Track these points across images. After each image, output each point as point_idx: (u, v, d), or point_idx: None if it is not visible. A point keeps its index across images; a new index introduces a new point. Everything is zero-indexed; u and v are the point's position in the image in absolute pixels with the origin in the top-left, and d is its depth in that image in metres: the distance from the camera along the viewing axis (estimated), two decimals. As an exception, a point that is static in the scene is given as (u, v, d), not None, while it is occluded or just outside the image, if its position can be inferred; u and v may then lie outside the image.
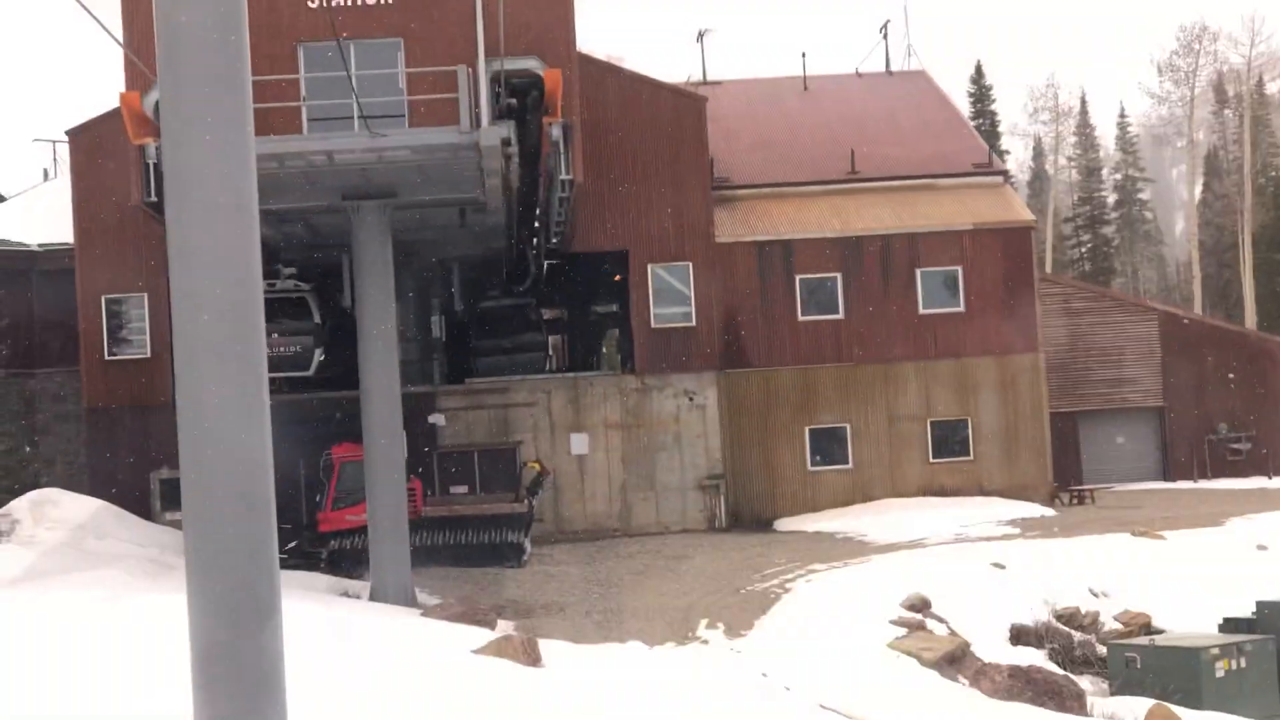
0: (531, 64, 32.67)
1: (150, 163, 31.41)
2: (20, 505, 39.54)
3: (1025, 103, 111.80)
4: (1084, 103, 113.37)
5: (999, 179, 50.53)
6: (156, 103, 31.76)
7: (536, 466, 42.64)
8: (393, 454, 36.05)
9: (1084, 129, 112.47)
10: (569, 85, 32.25)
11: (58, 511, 39.87)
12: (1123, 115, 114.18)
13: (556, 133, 32.19)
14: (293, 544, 41.63)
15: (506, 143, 30.94)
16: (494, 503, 41.57)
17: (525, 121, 34.38)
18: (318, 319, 39.14)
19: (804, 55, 59.60)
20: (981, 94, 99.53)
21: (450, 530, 40.50)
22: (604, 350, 51.59)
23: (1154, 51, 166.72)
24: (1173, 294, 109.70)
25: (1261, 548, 38.82)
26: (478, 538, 40.19)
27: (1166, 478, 58.77)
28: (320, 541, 40.84)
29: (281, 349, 37.24)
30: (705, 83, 58.65)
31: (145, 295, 45.12)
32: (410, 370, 46.47)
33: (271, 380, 11.95)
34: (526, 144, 34.55)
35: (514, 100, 33.30)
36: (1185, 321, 62.72)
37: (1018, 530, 42.71)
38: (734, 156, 50.35)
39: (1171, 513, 46.41)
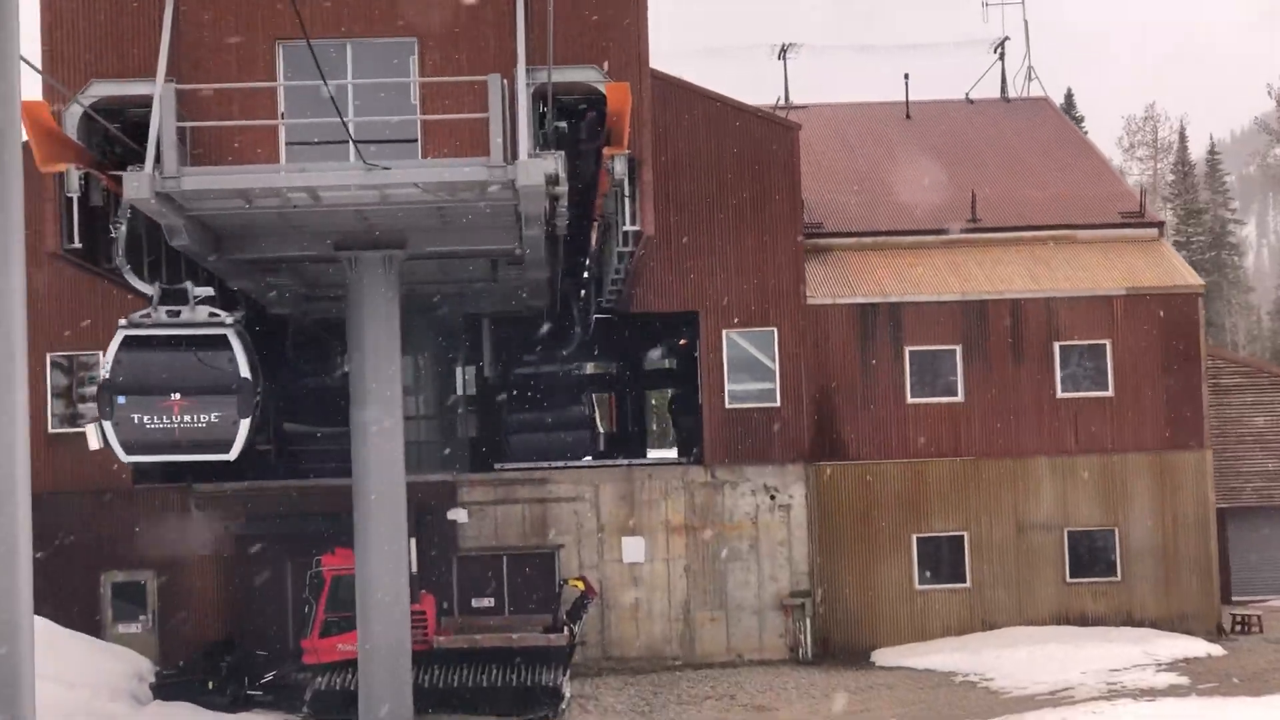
0: (589, 75, 26.15)
1: (72, 196, 24.57)
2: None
3: (1121, 136, 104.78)
4: (1183, 137, 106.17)
5: (1153, 231, 43.69)
6: (85, 114, 25.32)
7: (580, 585, 35.95)
8: (392, 568, 29.48)
9: (1182, 166, 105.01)
10: (639, 105, 25.57)
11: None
12: (1213, 151, 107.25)
13: (620, 168, 25.50)
14: (269, 677, 34.80)
15: (554, 181, 24.41)
16: (525, 631, 34.80)
17: (579, 151, 27.60)
18: (245, 371, 26.09)
19: (906, 77, 52.65)
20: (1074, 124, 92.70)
21: (468, 668, 33.60)
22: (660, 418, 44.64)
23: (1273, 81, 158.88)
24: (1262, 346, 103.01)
25: None
26: (504, 678, 33.35)
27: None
28: (303, 676, 33.92)
29: (187, 418, 25.67)
30: (787, 106, 51.89)
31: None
32: (425, 453, 40.37)
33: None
34: (578, 179, 27.77)
35: (564, 124, 26.47)
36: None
37: (1186, 680, 35.71)
38: (827, 198, 43.96)
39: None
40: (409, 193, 24.75)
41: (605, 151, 24.95)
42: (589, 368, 61.74)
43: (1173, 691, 34.54)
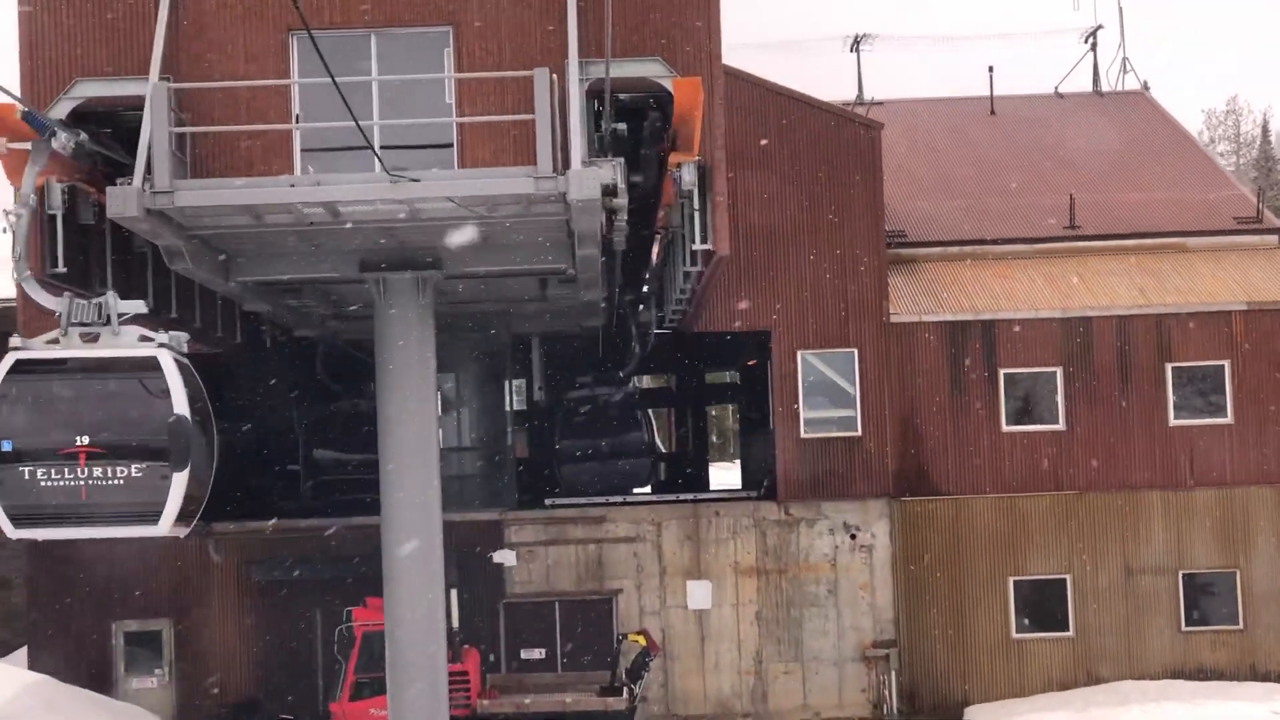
0: (652, 70, 22.89)
1: (54, 214, 21.50)
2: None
3: (1200, 130, 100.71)
4: (1265, 130, 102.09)
5: (1273, 239, 40.15)
6: (61, 125, 22.16)
7: (641, 639, 32.85)
8: (425, 626, 26.49)
9: (1265, 162, 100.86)
10: (710, 104, 22.41)
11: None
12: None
13: (689, 177, 22.26)
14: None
15: (611, 192, 21.31)
16: (579, 692, 31.62)
17: (639, 157, 24.45)
18: (181, 407, 19.33)
19: (990, 69, 49.20)
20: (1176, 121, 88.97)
21: (517, 736, 30.59)
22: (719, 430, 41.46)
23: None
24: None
25: None
26: (557, 748, 30.23)
27: None
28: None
29: (99, 473, 19.17)
30: (861, 103, 48.31)
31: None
32: (469, 488, 37.28)
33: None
34: (639, 189, 24.68)
35: (622, 125, 23.23)
36: None
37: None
38: (907, 204, 40.85)
39: None
40: (443, 208, 21.66)
41: (671, 158, 21.77)
42: (645, 381, 58.80)
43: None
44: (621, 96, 23.15)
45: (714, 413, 74.29)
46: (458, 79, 22.66)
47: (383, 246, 24.46)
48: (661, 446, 55.15)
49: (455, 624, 32.52)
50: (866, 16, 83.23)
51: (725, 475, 67.20)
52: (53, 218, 21.93)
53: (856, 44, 52.69)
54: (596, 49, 21.68)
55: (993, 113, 49.04)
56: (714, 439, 76.04)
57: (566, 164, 20.65)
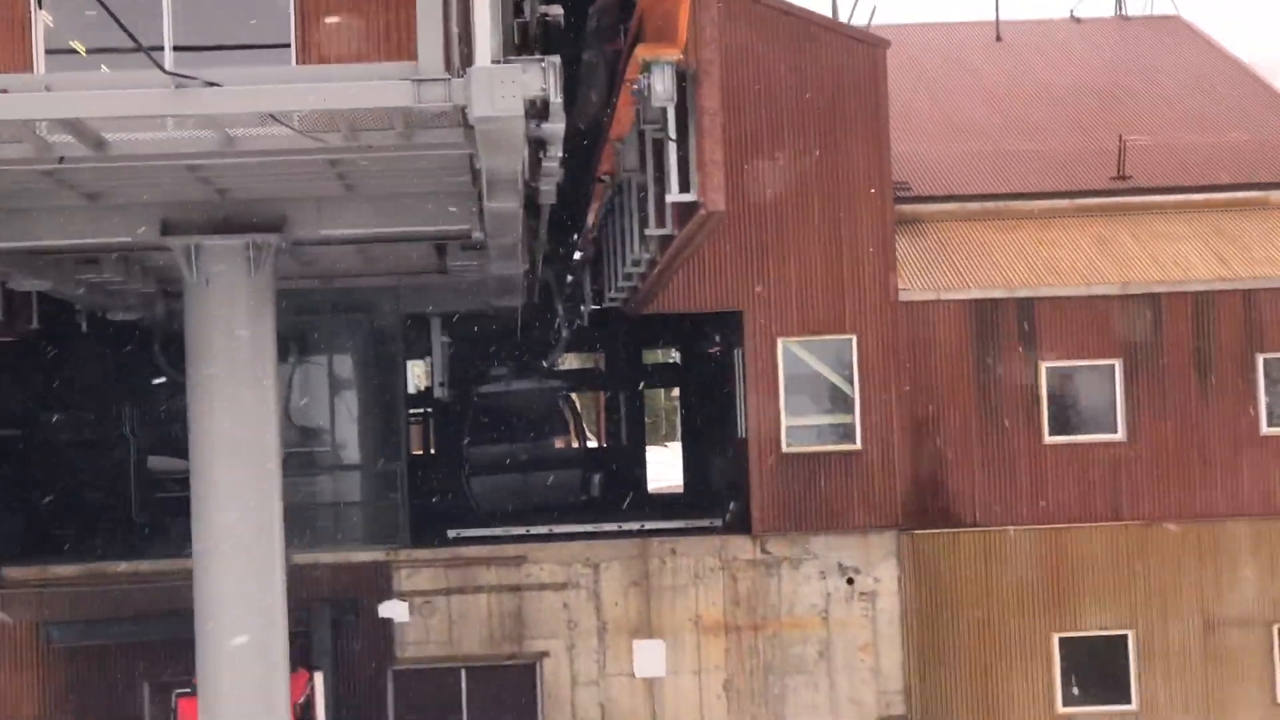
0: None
1: None
2: None
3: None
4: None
5: (1382, 191, 33.28)
6: None
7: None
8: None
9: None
10: None
11: None
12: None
13: (662, 88, 14.61)
14: None
15: (540, 112, 13.69)
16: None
17: (577, 62, 17.08)
18: None
19: (997, -12, 42.12)
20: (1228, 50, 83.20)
21: None
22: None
23: None
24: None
25: None
26: None
27: None
28: None
29: None
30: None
31: None
32: (348, 518, 30.01)
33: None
34: (577, 110, 17.25)
35: (557, 8, 15.74)
36: None
37: None
38: (910, 148, 33.42)
39: None
40: (275, 134, 14.21)
41: (637, 52, 14.21)
42: (568, 361, 51.78)
43: None
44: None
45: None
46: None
47: (197, 200, 17.19)
48: (591, 440, 48.28)
49: (323, 714, 25.37)
50: None
51: (663, 457, 60.53)
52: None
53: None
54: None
55: (999, 39, 42.04)
56: (647, 419, 70.35)
57: (468, 61, 13.21)
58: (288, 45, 15.54)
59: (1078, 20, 44.47)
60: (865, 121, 30.02)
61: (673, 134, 15.84)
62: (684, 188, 16.09)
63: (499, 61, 13.17)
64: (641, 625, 29.41)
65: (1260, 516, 29.92)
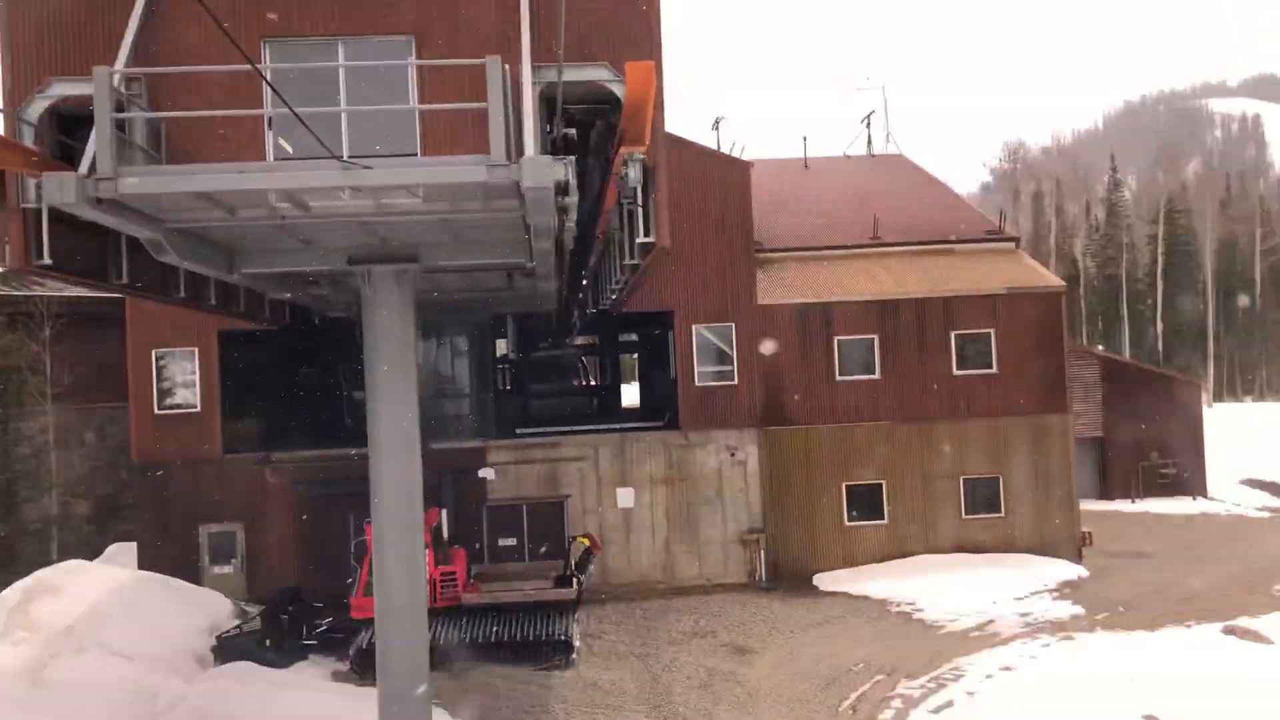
0: (600, 74, 13.55)
1: (31, 207, 11.72)
2: (9, 598, 19.73)
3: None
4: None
5: (1011, 245, 31.12)
6: (48, 111, 12.33)
7: (586, 541, 23.74)
8: (407, 555, 16.96)
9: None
10: (659, 102, 12.78)
11: (54, 605, 19.96)
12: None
13: (635, 174, 12.68)
14: (324, 625, 22.00)
15: (563, 190, 11.51)
16: (540, 582, 22.22)
17: (586, 165, 14.91)
18: None
19: (805, 139, 40.70)
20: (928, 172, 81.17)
21: (490, 622, 21.07)
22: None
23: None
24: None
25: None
26: (522, 631, 20.76)
27: (1105, 497, 39.76)
28: (351, 630, 21.32)
29: None
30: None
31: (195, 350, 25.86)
32: (463, 425, 27.59)
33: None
34: (586, 195, 15.09)
35: (572, 130, 13.73)
36: (1122, 365, 43.52)
37: (1081, 609, 23.78)
38: (762, 222, 31.01)
39: (1193, 570, 27.46)
40: (408, 203, 12.20)
41: (621, 151, 12.38)
42: (580, 341, 49.51)
43: (1078, 624, 22.58)
44: (570, 107, 13.73)
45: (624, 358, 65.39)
46: (419, 78, 13.09)
47: (368, 244, 15.12)
48: (594, 382, 46.10)
49: (446, 534, 23.29)
50: (725, 102, 74.16)
51: (630, 389, 58.19)
52: (26, 214, 12.07)
53: (717, 123, 43.09)
54: (547, 55, 12.33)
55: (806, 167, 39.94)
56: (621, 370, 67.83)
57: (520, 152, 11.21)
58: (415, 151, 13.62)
59: (848, 156, 42.47)
60: (739, 206, 27.98)
61: (640, 202, 14.01)
62: (647, 234, 14.27)
63: (539, 154, 11.27)
64: (621, 479, 27.42)
65: (953, 419, 28.10)
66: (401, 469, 16.21)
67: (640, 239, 14.15)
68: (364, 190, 11.62)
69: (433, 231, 14.53)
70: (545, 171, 10.96)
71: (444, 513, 23.30)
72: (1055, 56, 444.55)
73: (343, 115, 12.78)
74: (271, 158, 13.06)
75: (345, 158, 11.44)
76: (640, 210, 13.98)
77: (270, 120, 12.93)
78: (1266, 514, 37.00)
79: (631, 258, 15.76)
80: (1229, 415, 62.06)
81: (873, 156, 42.30)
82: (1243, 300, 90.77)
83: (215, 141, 12.97)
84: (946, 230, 31.85)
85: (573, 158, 12.02)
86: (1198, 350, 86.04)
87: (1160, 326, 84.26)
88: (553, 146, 13.55)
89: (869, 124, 43.37)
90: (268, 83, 11.55)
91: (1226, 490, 42.07)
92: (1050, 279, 29.01)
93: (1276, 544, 30.84)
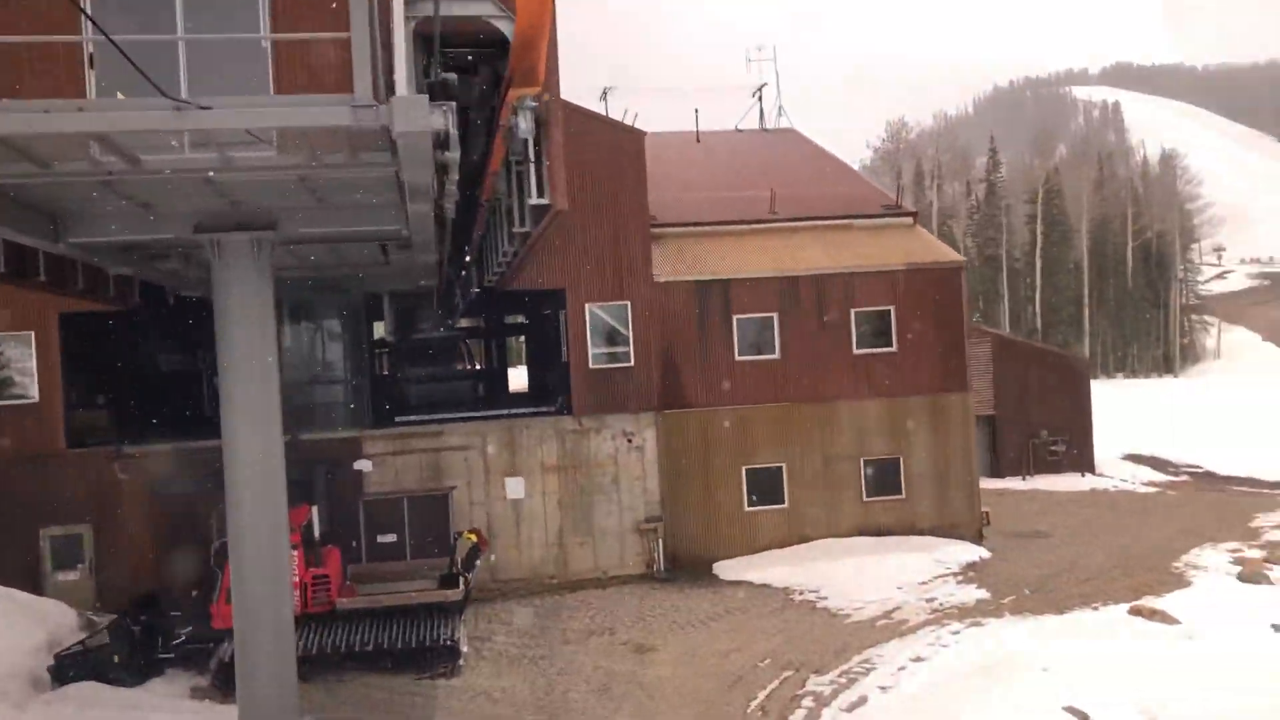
0: (485, 9, 11.79)
1: None
2: None
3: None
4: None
5: (909, 220, 30.46)
6: None
7: (473, 537, 22.01)
8: (270, 556, 15.12)
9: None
10: (554, 39, 11.21)
11: None
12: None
13: (526, 124, 11.05)
14: (182, 637, 19.87)
15: (443, 143, 9.81)
16: (423, 584, 20.51)
17: (466, 120, 13.21)
18: None
19: (696, 111, 39.08)
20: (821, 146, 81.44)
21: (369, 627, 19.30)
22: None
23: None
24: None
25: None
26: (403, 637, 19.06)
27: (997, 475, 39.87)
28: (213, 641, 19.27)
29: None
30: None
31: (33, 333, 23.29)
32: (336, 413, 25.46)
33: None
34: (468, 157, 13.36)
35: (453, 76, 12.02)
36: (1013, 343, 43.69)
37: (987, 593, 23.23)
38: (656, 197, 29.60)
39: (1092, 549, 27.38)
40: (260, 156, 10.43)
41: (511, 94, 10.72)
42: (464, 323, 47.47)
43: (985, 609, 21.97)
44: (450, 51, 12.07)
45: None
46: (273, 5, 11.23)
47: (217, 208, 13.24)
48: (480, 366, 44.19)
49: (318, 533, 21.34)
50: (614, 72, 72.57)
51: (516, 372, 56.40)
52: None
53: (605, 95, 41.55)
54: (423, -11, 10.66)
55: (699, 141, 38.76)
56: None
57: (391, 92, 9.55)
58: (267, 88, 11.80)
59: (740, 130, 41.43)
60: (634, 178, 26.54)
61: (532, 157, 12.44)
62: (540, 195, 12.70)
63: (418, 95, 9.64)
64: (510, 469, 25.79)
65: (853, 399, 27.31)
66: (262, 462, 14.44)
67: (533, 201, 12.54)
68: (205, 139, 9.82)
69: (292, 193, 12.79)
70: (420, 114, 9.37)
71: (315, 510, 21.33)
72: (931, 40, 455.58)
73: (180, 47, 10.88)
74: (93, 94, 11.08)
75: (148, 77, 9.56)
76: (532, 167, 12.36)
77: (91, 58, 10.96)
78: (1153, 489, 37.53)
79: (522, 224, 14.19)
80: (1106, 391, 63.58)
81: (765, 131, 41.35)
82: (1114, 280, 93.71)
83: (29, 81, 10.95)
84: (844, 205, 31.05)
85: (453, 103, 10.44)
86: (1074, 328, 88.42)
87: (1038, 305, 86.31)
88: (430, 93, 11.89)
89: (760, 97, 42.56)
90: (80, 9, 9.64)
91: (1111, 466, 42.68)
92: (949, 254, 28.41)
93: (1167, 520, 31.06)
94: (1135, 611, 21.21)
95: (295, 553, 19.54)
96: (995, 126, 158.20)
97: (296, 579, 19.51)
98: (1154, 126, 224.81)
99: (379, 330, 36.75)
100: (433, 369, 32.77)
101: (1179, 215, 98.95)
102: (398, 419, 26.80)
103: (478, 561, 22.03)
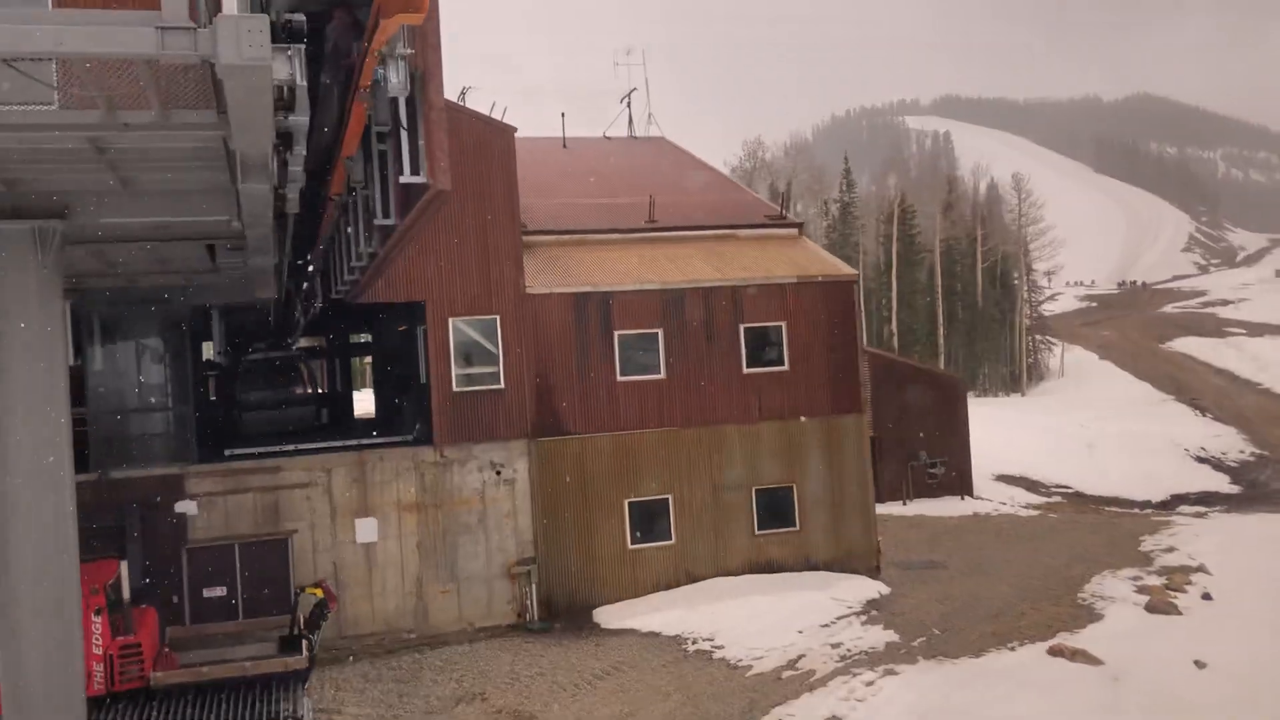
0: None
1: None
2: None
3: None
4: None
5: (794, 231, 28.85)
6: None
7: (318, 592, 18.85)
8: (59, 616, 11.88)
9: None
10: None
11: None
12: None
13: (398, 79, 8.38)
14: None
15: (286, 103, 6.94)
16: (260, 651, 17.35)
17: (315, 80, 10.45)
18: None
19: (563, 115, 36.71)
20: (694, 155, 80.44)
21: (191, 705, 16.08)
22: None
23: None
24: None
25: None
26: (235, 715, 15.90)
27: (877, 500, 38.42)
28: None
29: None
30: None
31: None
32: (154, 446, 21.95)
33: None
34: (315, 128, 10.58)
35: (300, 16, 9.22)
36: (893, 362, 42.85)
37: (896, 635, 21.52)
38: (524, 202, 27.11)
39: (992, 581, 26.27)
40: (36, 112, 7.56)
41: (384, 29, 8.10)
42: (305, 342, 43.80)
43: (896, 654, 20.24)
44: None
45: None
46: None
47: (-20, 186, 10.18)
48: (323, 390, 40.70)
49: (128, 592, 17.92)
50: (474, 72, 69.69)
51: (363, 396, 52.78)
52: None
53: (463, 94, 38.76)
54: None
55: (565, 146, 36.47)
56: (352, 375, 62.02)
57: (218, 9, 6.87)
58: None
59: (609, 138, 39.33)
60: (503, 178, 23.96)
61: (405, 123, 9.88)
62: (415, 171, 10.17)
63: (249, 15, 6.98)
64: (361, 508, 22.72)
65: (743, 423, 25.34)
66: (46, 510, 11.40)
67: (405, 178, 9.92)
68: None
69: (86, 169, 9.93)
70: (257, 41, 6.73)
71: (124, 565, 17.91)
72: (775, 66, 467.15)
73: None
74: None
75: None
76: (405, 136, 9.75)
77: None
78: (1034, 512, 37.05)
79: (386, 216, 11.49)
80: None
81: (634, 138, 39.38)
82: (964, 300, 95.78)
83: None
84: (726, 215, 29.24)
85: (301, 46, 7.84)
86: (929, 347, 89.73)
87: (894, 325, 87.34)
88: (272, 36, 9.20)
89: (629, 103, 40.59)
90: None
91: (986, 487, 42.23)
92: (840, 267, 26.86)
93: (1057, 546, 30.29)
94: (1055, 652, 19.84)
95: (99, 618, 16.22)
96: (834, 154, 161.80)
97: (100, 650, 16.18)
98: (982, 155, 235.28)
99: (208, 350, 32.98)
100: (269, 393, 29.37)
101: (1022, 237, 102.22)
102: (228, 452, 23.39)
103: (323, 620, 18.95)
